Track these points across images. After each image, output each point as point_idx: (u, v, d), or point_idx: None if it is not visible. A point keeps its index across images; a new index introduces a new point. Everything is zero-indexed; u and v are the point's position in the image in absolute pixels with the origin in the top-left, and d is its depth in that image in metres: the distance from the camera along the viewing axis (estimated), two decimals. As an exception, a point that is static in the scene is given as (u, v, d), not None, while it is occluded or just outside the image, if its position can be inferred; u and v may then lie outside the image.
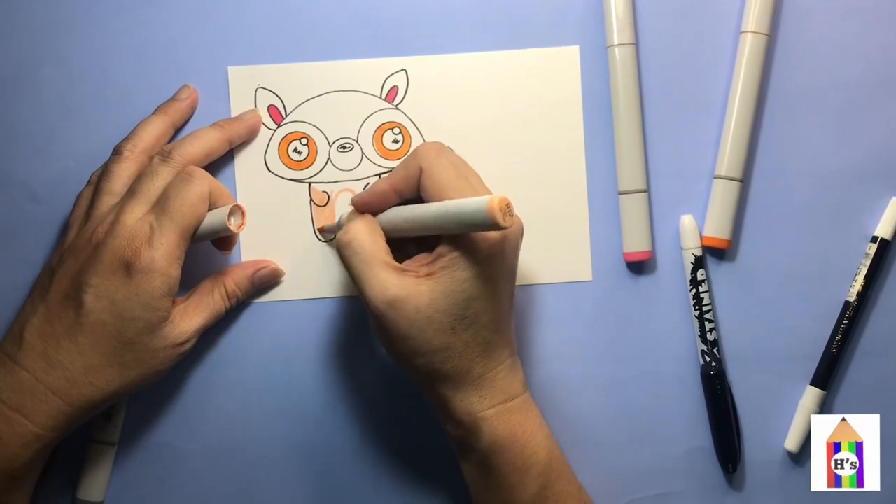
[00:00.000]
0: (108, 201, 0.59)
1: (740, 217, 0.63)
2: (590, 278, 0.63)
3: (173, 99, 0.63)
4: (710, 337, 0.62)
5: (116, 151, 0.60)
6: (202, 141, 0.61)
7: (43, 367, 0.56)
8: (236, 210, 0.58)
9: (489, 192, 0.56)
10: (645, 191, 0.63)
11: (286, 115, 0.63)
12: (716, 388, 0.62)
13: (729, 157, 0.62)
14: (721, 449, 0.62)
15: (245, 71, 0.63)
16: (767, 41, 0.62)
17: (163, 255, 0.57)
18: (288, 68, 0.63)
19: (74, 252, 0.58)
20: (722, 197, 0.63)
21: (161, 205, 0.58)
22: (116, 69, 0.63)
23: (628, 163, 0.62)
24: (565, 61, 0.63)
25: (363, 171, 0.63)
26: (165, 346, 0.58)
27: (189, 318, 0.60)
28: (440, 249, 0.55)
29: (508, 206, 0.50)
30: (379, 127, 0.63)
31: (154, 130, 0.61)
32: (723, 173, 0.63)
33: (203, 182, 0.58)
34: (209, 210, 0.59)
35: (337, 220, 0.62)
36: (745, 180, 0.63)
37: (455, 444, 0.59)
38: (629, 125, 0.62)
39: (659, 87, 0.63)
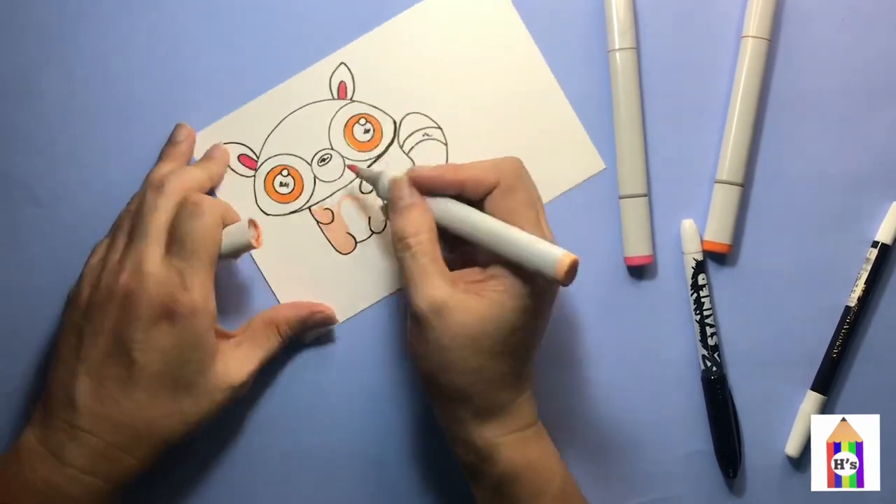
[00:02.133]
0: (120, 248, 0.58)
1: (741, 221, 0.63)
2: (603, 166, 0.63)
3: (171, 144, 0.62)
4: (710, 341, 0.62)
5: (152, 207, 0.58)
6: (189, 174, 0.59)
7: (109, 428, 0.55)
8: (251, 224, 0.58)
9: (549, 232, 0.56)
10: (646, 195, 0.63)
11: (258, 157, 0.62)
12: (716, 392, 0.62)
13: (730, 161, 0.62)
14: (721, 453, 0.62)
15: (206, 134, 0.62)
16: (768, 46, 0.62)
17: (200, 294, 0.56)
18: (240, 113, 0.63)
19: (100, 307, 0.56)
20: (723, 201, 0.62)
21: (181, 244, 0.56)
22: (120, 73, 0.63)
23: (629, 167, 0.62)
24: None
25: (350, 173, 0.63)
26: (219, 387, 0.58)
27: (245, 355, 0.60)
28: (495, 271, 0.55)
29: (576, 268, 0.52)
30: (345, 125, 0.63)
31: (184, 176, 0.59)
32: (724, 178, 0.63)
33: (212, 208, 0.57)
34: None
35: (378, 172, 0.59)
36: (745, 185, 0.63)
37: (466, 469, 0.58)
38: (630, 129, 0.62)
39: (660, 92, 0.63)
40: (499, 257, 0.54)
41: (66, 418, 0.55)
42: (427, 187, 0.57)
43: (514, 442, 0.56)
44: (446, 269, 0.56)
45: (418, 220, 0.56)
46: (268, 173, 0.63)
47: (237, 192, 0.62)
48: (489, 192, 0.56)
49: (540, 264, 0.52)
